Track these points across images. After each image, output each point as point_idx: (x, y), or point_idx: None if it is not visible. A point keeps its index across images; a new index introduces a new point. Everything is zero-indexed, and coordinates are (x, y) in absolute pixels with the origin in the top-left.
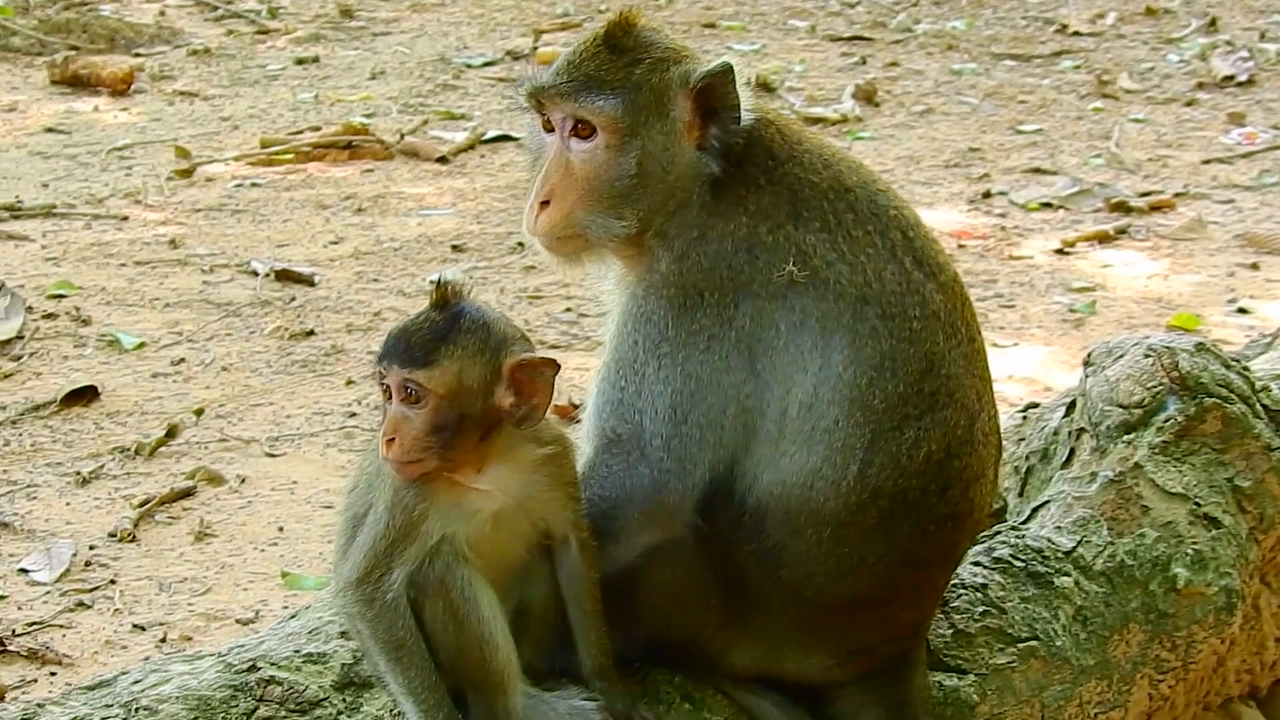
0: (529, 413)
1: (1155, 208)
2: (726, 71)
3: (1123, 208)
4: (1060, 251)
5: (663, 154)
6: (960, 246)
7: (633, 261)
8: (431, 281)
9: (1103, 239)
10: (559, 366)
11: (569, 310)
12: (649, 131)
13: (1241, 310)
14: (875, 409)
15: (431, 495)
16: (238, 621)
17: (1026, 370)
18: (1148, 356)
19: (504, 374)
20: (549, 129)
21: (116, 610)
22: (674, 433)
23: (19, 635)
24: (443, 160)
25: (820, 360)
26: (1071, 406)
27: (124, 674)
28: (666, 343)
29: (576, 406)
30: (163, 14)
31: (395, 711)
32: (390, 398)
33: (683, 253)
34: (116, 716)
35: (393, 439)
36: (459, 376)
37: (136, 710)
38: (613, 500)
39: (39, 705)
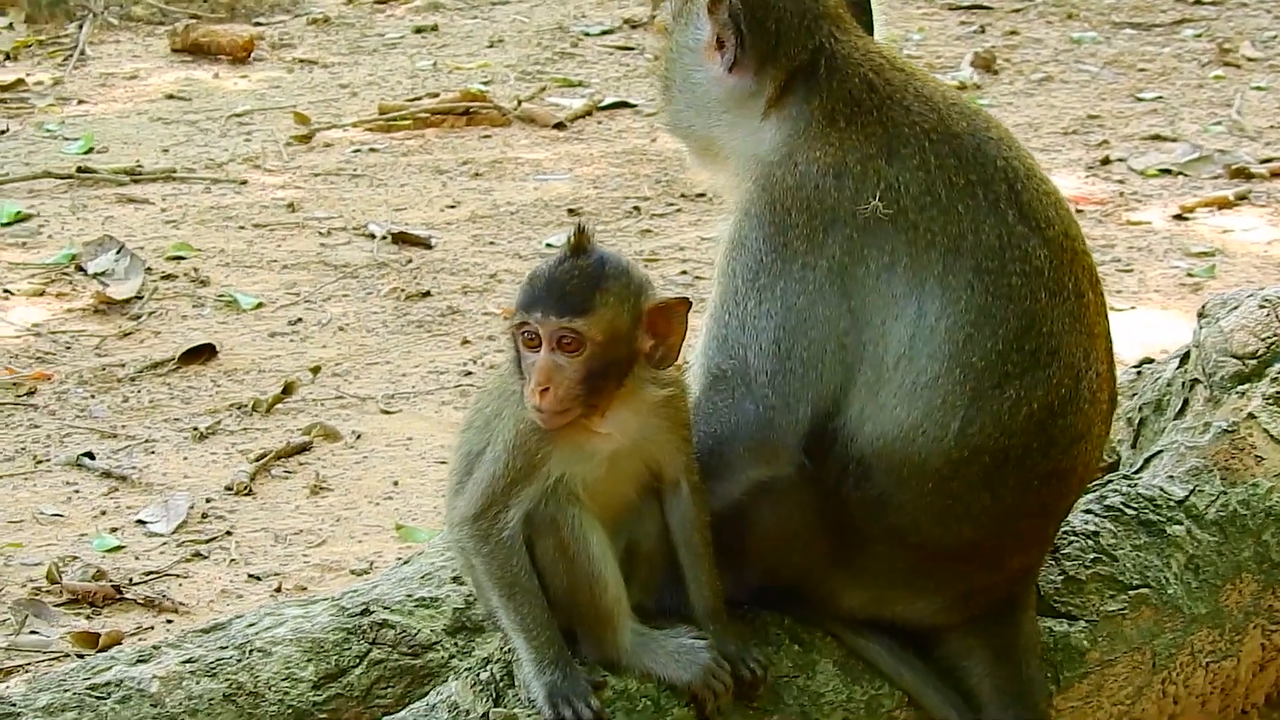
0: (666, 353)
1: (1276, 174)
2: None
3: (1243, 174)
4: (1179, 217)
5: (684, 64)
6: (1079, 212)
7: (730, 192)
8: (572, 221)
9: (1222, 205)
10: (691, 304)
11: (684, 273)
12: (677, 46)
13: None
14: (974, 366)
15: (554, 438)
16: (352, 573)
17: (1144, 334)
18: (1263, 307)
19: (643, 317)
20: None
21: (232, 561)
22: (778, 368)
23: (136, 584)
24: (559, 126)
25: (914, 309)
26: (1185, 358)
27: (238, 617)
28: (764, 272)
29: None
30: None
31: (506, 649)
32: (538, 347)
33: (767, 172)
34: (231, 658)
35: (546, 389)
36: (612, 322)
37: (250, 652)
38: (719, 437)
39: (154, 647)
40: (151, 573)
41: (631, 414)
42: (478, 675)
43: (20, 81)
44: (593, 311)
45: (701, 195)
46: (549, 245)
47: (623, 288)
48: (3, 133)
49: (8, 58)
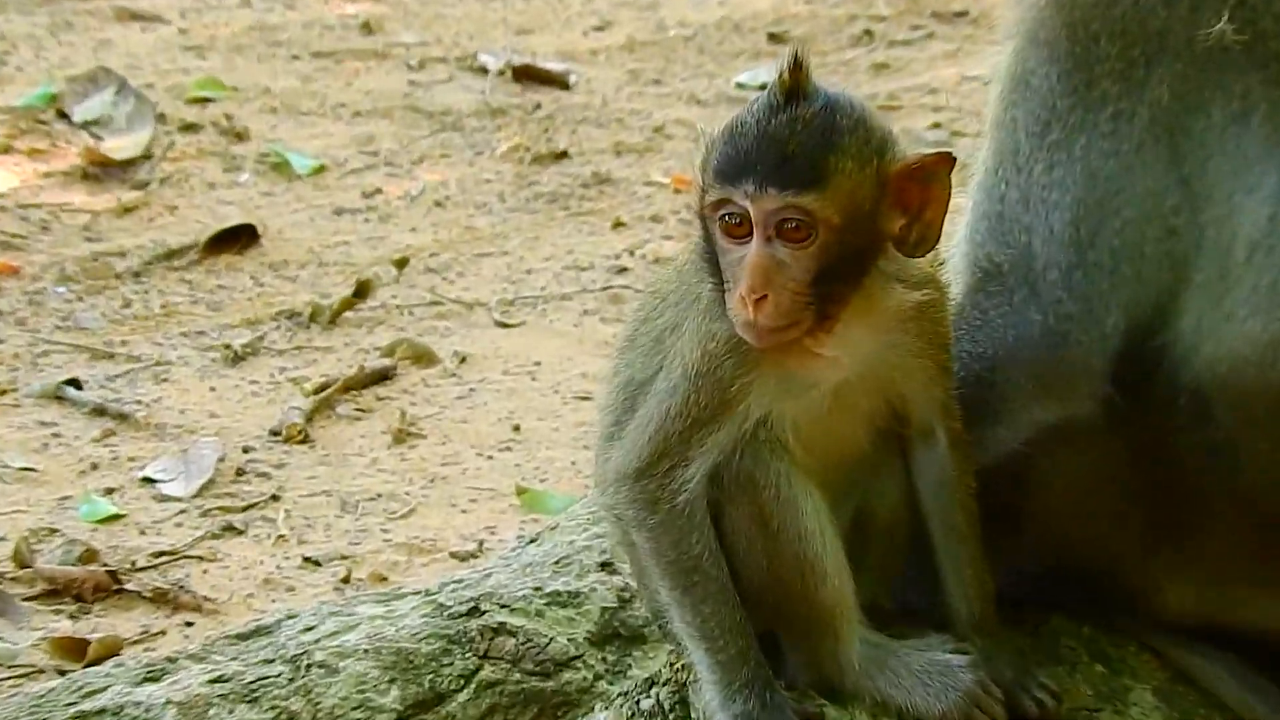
0: (922, 235)
1: None
2: None
3: None
4: None
5: None
6: None
7: (1008, 9)
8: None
9: None
10: (955, 160)
11: (937, 126)
12: None
13: None
14: None
15: (757, 363)
16: (453, 556)
17: None
18: None
19: (890, 184)
20: None
21: (280, 538)
22: (1077, 262)
23: (140, 570)
24: None
25: (1277, 178)
26: None
27: (289, 618)
28: (1056, 122)
29: None
30: None
31: (679, 666)
32: (746, 237)
33: None
34: (279, 676)
35: (764, 295)
36: (853, 195)
37: (307, 668)
38: (991, 358)
39: (169, 660)
40: (164, 553)
41: (868, 328)
42: (636, 703)
43: None
44: (827, 181)
45: (963, 14)
46: (740, 86)
47: (862, 144)
48: None
49: None
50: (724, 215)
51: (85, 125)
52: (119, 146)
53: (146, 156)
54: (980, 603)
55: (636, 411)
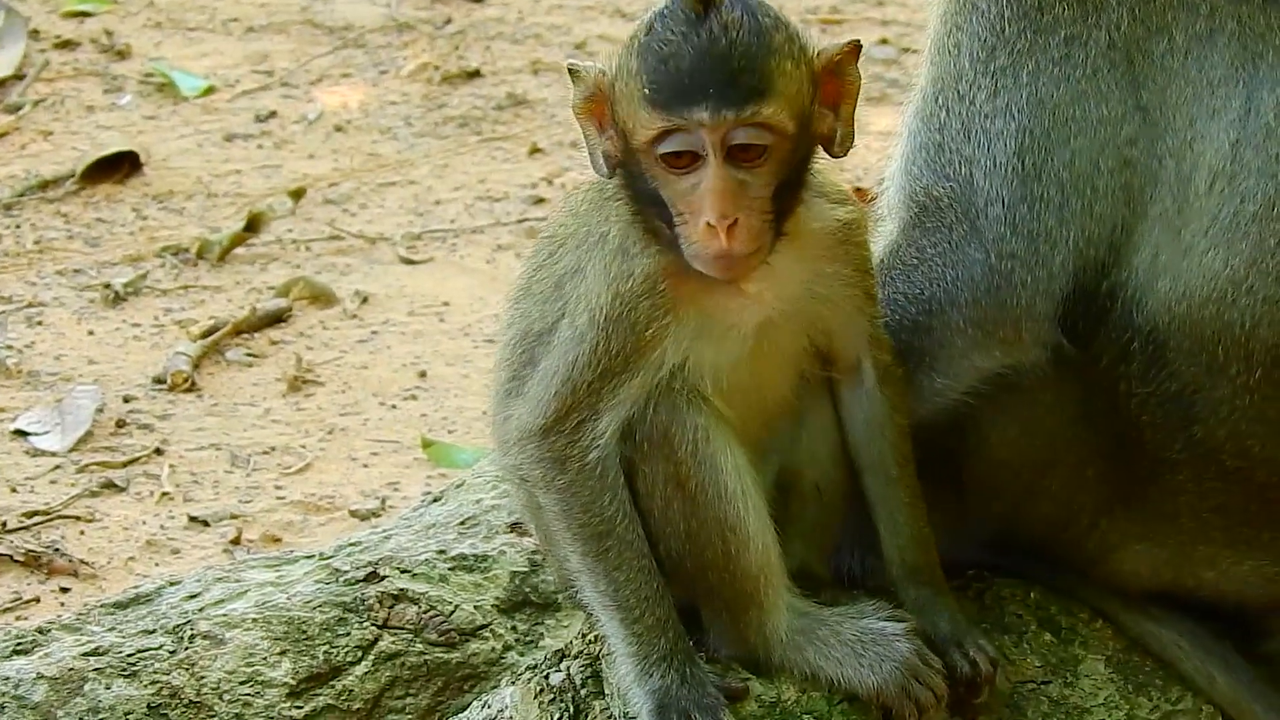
0: (845, 131)
1: None
2: None
3: None
4: None
5: None
6: None
7: None
8: None
9: None
10: (861, 48)
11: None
12: None
13: None
14: None
15: (672, 303)
16: (353, 515)
17: None
18: None
19: (819, 80)
20: None
21: (164, 495)
22: (1021, 195)
23: (11, 531)
24: None
25: (1242, 101)
26: None
27: (172, 585)
28: (1003, 48)
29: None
30: None
31: (592, 637)
32: (691, 166)
33: None
34: (160, 648)
35: (734, 221)
36: (798, 98)
37: (191, 639)
38: (929, 301)
39: (40, 630)
40: (37, 513)
41: (796, 255)
42: (546, 678)
43: None
44: (775, 87)
45: None
46: None
47: (790, 42)
48: None
49: None
50: (668, 148)
51: None
52: None
53: (18, 77)
54: (915, 551)
55: (537, 365)
